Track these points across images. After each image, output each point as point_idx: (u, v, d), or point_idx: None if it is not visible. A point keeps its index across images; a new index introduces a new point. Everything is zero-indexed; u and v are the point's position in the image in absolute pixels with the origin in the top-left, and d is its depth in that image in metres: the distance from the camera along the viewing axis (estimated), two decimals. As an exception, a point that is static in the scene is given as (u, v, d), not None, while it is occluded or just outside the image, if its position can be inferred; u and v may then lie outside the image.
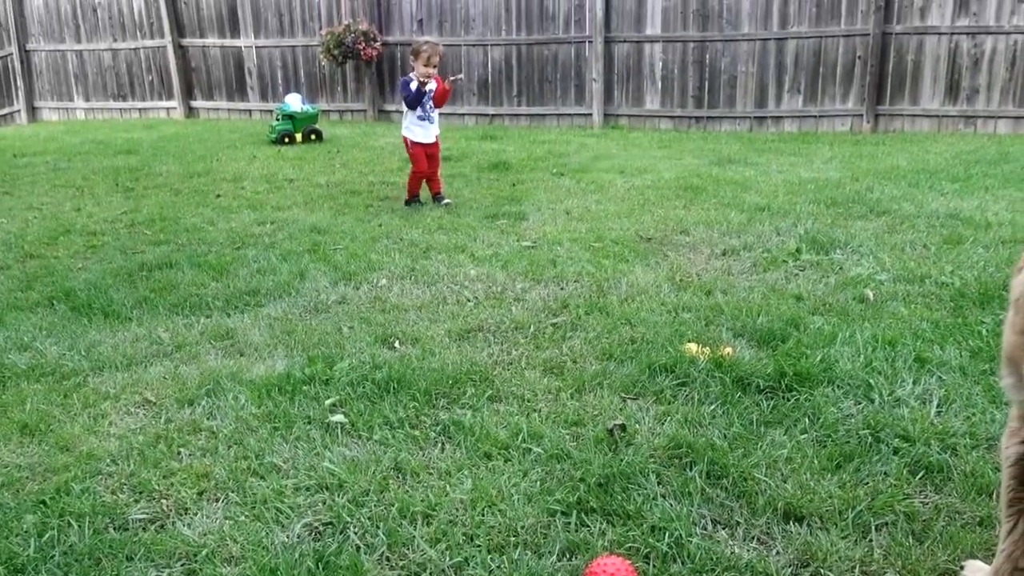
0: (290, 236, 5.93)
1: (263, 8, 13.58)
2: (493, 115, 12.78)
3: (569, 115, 12.45)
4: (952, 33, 10.67)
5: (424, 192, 7.27)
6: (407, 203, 7.12)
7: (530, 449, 2.88)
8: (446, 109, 12.90)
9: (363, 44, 12.43)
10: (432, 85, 7.04)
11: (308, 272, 5.01)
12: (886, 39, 10.90)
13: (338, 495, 2.65)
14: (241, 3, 13.67)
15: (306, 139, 10.86)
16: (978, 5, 10.53)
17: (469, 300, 4.50)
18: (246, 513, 2.58)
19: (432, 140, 7.21)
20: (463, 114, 12.93)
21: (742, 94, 11.64)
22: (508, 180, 8.02)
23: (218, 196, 7.53)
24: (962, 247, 5.10)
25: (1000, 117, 10.69)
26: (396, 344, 3.89)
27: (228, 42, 13.91)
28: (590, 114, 12.27)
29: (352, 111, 13.53)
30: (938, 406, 3.08)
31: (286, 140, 10.69)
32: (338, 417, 3.15)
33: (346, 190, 7.69)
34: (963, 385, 3.22)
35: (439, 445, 2.96)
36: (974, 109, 10.77)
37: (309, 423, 3.13)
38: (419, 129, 7.14)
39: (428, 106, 7.12)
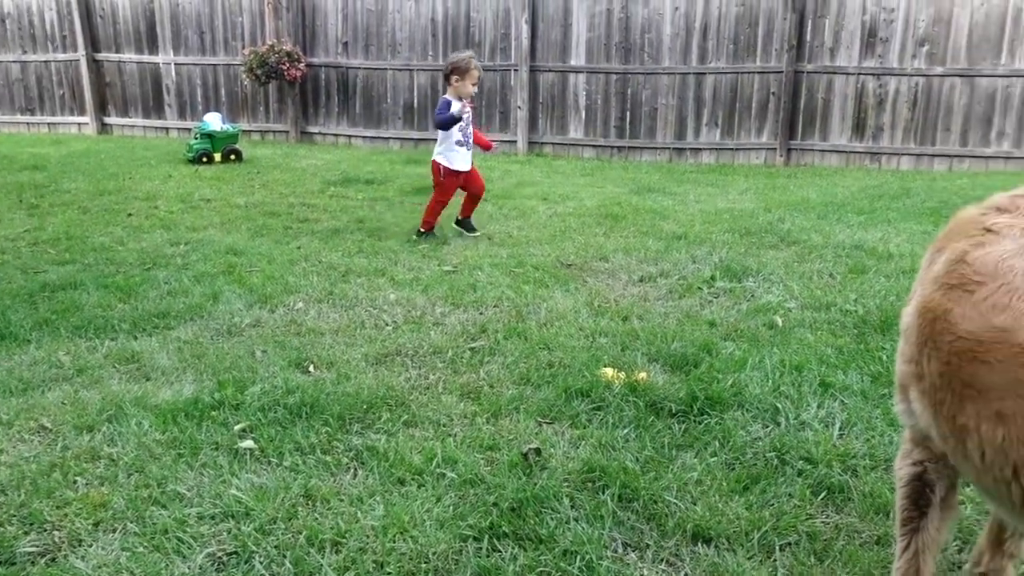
0: (204, 257, 5.77)
1: (183, 25, 13.32)
2: (418, 140, 12.78)
3: (494, 142, 12.52)
4: (859, 73, 11.21)
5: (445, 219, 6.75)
6: (420, 235, 6.52)
7: (444, 474, 2.86)
8: (370, 131, 12.93)
9: (287, 64, 12.30)
10: (469, 109, 6.58)
11: (222, 294, 4.88)
12: (798, 77, 11.37)
13: (244, 523, 2.57)
14: (160, 19, 13.38)
15: (225, 159, 10.64)
16: (883, 47, 11.10)
17: (387, 324, 4.45)
18: (145, 544, 2.47)
19: (469, 167, 6.69)
20: (388, 138, 12.90)
21: (662, 125, 11.95)
22: (431, 204, 8.00)
23: (129, 215, 7.29)
24: (865, 277, 5.32)
25: (903, 154, 11.25)
26: (311, 368, 3.82)
27: (146, 58, 13.57)
28: (515, 141, 12.39)
29: (274, 132, 13.34)
30: (840, 429, 3.18)
31: (204, 159, 10.45)
32: (247, 443, 3.06)
33: (265, 211, 7.56)
34: (864, 408, 3.34)
35: (351, 471, 2.91)
36: (879, 146, 11.31)
37: (216, 449, 3.03)
38: (457, 156, 6.57)
39: (469, 130, 6.59)
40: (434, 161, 6.66)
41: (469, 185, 6.74)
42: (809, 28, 11.26)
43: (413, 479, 2.83)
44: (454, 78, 6.44)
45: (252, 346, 4.10)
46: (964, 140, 10.99)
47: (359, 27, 12.74)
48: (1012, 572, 2.26)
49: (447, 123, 6.39)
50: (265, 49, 12.33)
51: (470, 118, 6.60)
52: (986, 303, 1.69)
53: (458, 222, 6.73)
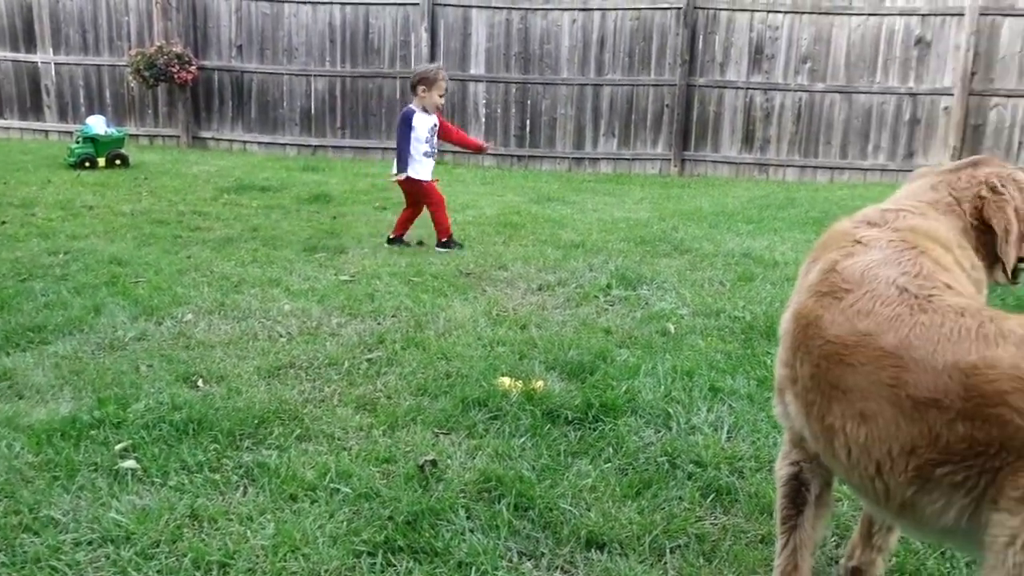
0: (86, 267, 5.49)
1: (64, 22, 12.68)
2: (316, 146, 12.57)
3: (393, 149, 12.41)
4: (747, 88, 11.69)
5: (425, 230, 6.74)
6: (443, 244, 6.46)
7: (338, 489, 2.80)
8: (265, 137, 12.61)
9: (177, 67, 11.87)
10: (435, 119, 6.59)
11: (105, 306, 4.65)
12: (691, 90, 11.76)
13: (124, 548, 2.45)
14: (39, 15, 12.69)
15: (110, 164, 10.18)
16: (769, 64, 11.61)
17: (281, 336, 4.35)
18: (15, 574, 2.33)
19: (433, 178, 6.68)
20: (284, 144, 12.63)
21: (561, 135, 12.14)
22: (329, 213, 7.88)
23: (3, 223, 6.87)
24: (753, 284, 5.53)
25: (788, 165, 11.78)
26: (200, 383, 3.69)
27: (22, 56, 12.85)
28: (415, 149, 12.31)
29: (164, 136, 12.85)
30: (728, 432, 3.29)
31: (87, 164, 9.97)
32: (129, 463, 2.92)
33: (153, 219, 7.26)
34: (750, 412, 3.47)
35: (241, 488, 2.82)
36: (766, 157, 11.81)
37: (95, 471, 2.88)
38: (422, 165, 6.54)
39: (435, 140, 6.61)
40: (409, 179, 6.59)
41: (412, 202, 6.73)
42: (700, 43, 11.67)
43: (306, 495, 2.77)
44: (420, 88, 6.43)
45: (136, 361, 3.92)
46: (844, 153, 11.60)
47: (254, 30, 12.44)
48: (881, 564, 2.38)
49: (402, 158, 6.54)
50: (153, 50, 11.87)
51: (435, 129, 6.60)
52: (852, 309, 1.79)
53: (390, 241, 6.63)
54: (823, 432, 1.82)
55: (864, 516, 2.37)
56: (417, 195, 6.66)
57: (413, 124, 6.48)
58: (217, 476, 2.87)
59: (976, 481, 1.55)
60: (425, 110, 6.53)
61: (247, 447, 3.10)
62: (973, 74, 11.08)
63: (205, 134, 12.77)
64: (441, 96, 6.51)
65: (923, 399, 1.60)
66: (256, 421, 3.26)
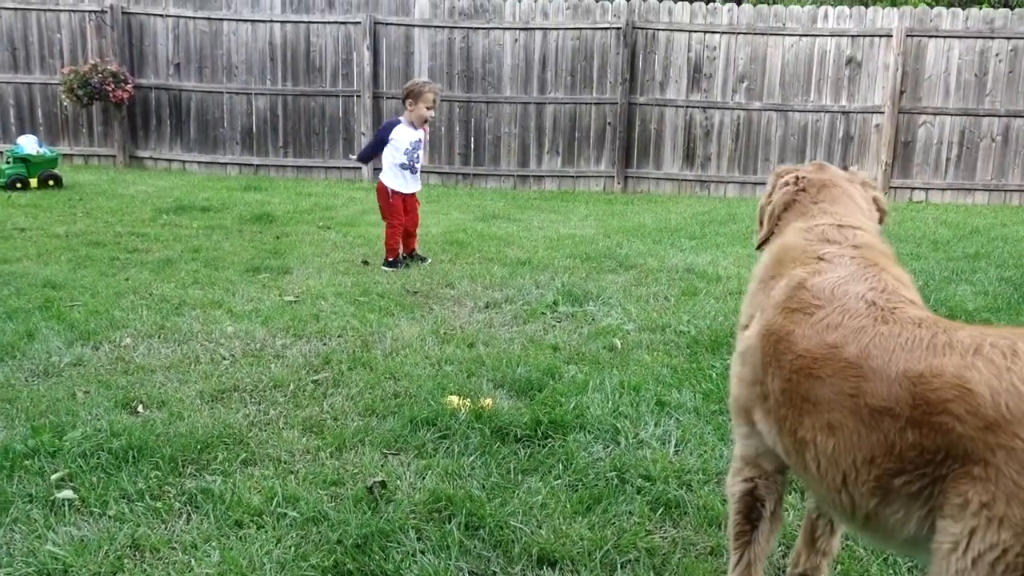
0: (17, 291, 5.31)
1: (-7, 40, 12.29)
2: (258, 165, 12.40)
3: (338, 168, 12.37)
4: (687, 106, 11.93)
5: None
6: (390, 263, 6.45)
7: (285, 513, 2.75)
8: (205, 156, 12.40)
9: (112, 86, 11.60)
10: (421, 134, 6.66)
11: (38, 332, 4.50)
12: (632, 109, 11.95)
13: (61, 582, 2.36)
14: (-34, 33, 12.28)
15: (43, 185, 9.88)
16: (707, 82, 11.87)
17: (225, 358, 4.26)
18: (-57, 614, 2.23)
19: (413, 191, 6.73)
20: (225, 163, 12.43)
21: (506, 153, 12.20)
22: (272, 232, 7.77)
23: (-71, 246, 6.61)
24: (697, 298, 5.63)
25: (729, 182, 12.04)
26: (140, 408, 3.59)
27: (-52, 75, 12.41)
28: (359, 168, 12.25)
29: (99, 156, 12.53)
30: (676, 445, 3.33)
31: (18, 186, 9.66)
32: (66, 493, 2.83)
33: (88, 241, 7.06)
34: (697, 425, 3.51)
35: (184, 516, 2.75)
36: (707, 174, 12.05)
37: (30, 502, 2.78)
38: (400, 178, 6.61)
39: (416, 155, 6.65)
40: (380, 182, 6.70)
41: (408, 213, 6.73)
42: (641, 62, 11.88)
43: (252, 521, 2.71)
44: (408, 102, 6.54)
45: (73, 387, 3.80)
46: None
47: (192, 48, 12.24)
48: (826, 569, 2.43)
49: (365, 154, 6.97)
50: (87, 68, 11.58)
51: (420, 143, 6.67)
52: (822, 323, 1.83)
53: (410, 256, 6.69)
54: (795, 446, 1.85)
55: (806, 523, 2.42)
56: (379, 204, 6.76)
57: (392, 135, 6.60)
58: (159, 504, 2.79)
59: (931, 490, 1.58)
60: (412, 124, 6.62)
61: (190, 473, 3.02)
62: (902, 93, 11.51)
63: (143, 153, 12.49)
64: (429, 109, 6.54)
65: (879, 407, 1.64)
66: (199, 446, 3.19)
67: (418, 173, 6.76)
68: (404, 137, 6.59)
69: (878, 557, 2.61)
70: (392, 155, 6.60)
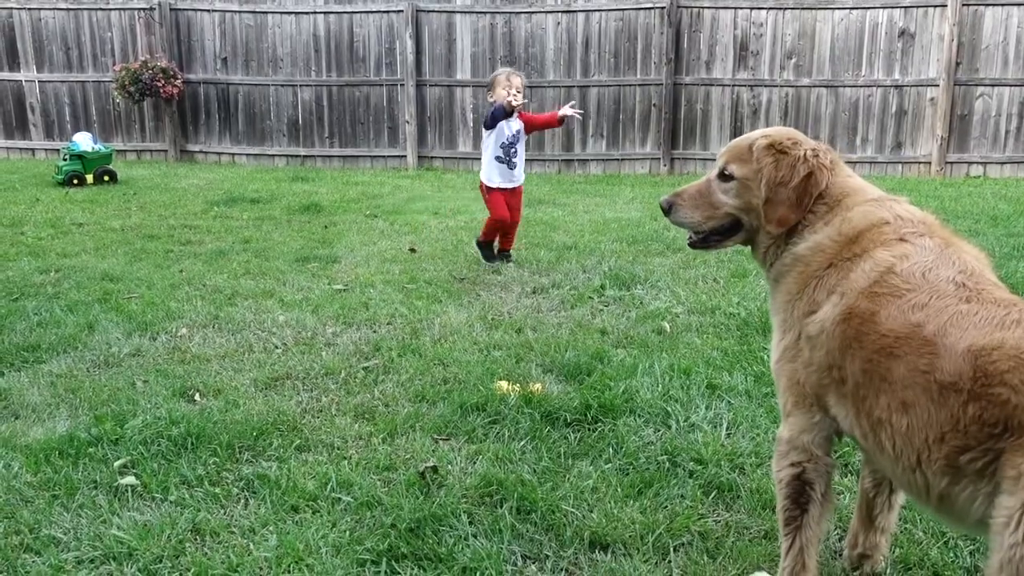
0: (78, 285, 5.47)
1: (47, 40, 12.63)
2: (305, 156, 12.55)
3: (383, 157, 12.45)
4: (734, 85, 11.72)
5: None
6: (480, 245, 6.28)
7: (340, 499, 2.80)
8: (254, 149, 12.57)
9: (162, 81, 11.84)
10: (519, 125, 6.21)
11: (98, 323, 4.63)
12: (677, 89, 11.78)
13: (127, 565, 2.44)
14: (21, 34, 12.64)
15: (98, 181, 10.14)
16: (754, 60, 11.65)
17: (277, 347, 4.34)
18: (17, 595, 2.31)
19: (513, 185, 6.30)
20: (273, 155, 12.61)
21: (550, 138, 12.14)
22: (320, 222, 7.87)
23: (-7, 243, 6.84)
24: (746, 280, 5.55)
25: (776, 161, 11.79)
26: (196, 397, 3.67)
27: (6, 75, 12.78)
28: (404, 156, 12.33)
29: (152, 151, 12.81)
30: (727, 429, 3.30)
31: (75, 182, 9.93)
32: (129, 479, 2.91)
33: (143, 235, 7.23)
34: (749, 408, 3.47)
35: (242, 501, 2.81)
36: (754, 154, 11.81)
37: (95, 488, 2.87)
38: (495, 172, 6.22)
39: (514, 149, 6.22)
40: (480, 181, 6.45)
41: (510, 209, 6.33)
42: (685, 42, 11.70)
43: (307, 506, 2.76)
44: (489, 95, 6.32)
45: (132, 377, 3.91)
46: (832, 146, 11.47)
47: (238, 42, 12.42)
48: (886, 546, 2.39)
49: (490, 119, 6.11)
50: (138, 65, 11.83)
51: (517, 136, 6.22)
52: (909, 303, 1.80)
53: (499, 252, 6.38)
54: (871, 427, 1.83)
55: (861, 501, 2.38)
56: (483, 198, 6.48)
57: (499, 125, 6.17)
58: (217, 490, 2.86)
59: (993, 467, 1.56)
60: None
61: (246, 459, 3.09)
62: (958, 64, 11.14)
63: (193, 147, 12.74)
64: (511, 93, 6.01)
65: (946, 383, 1.63)
66: (255, 433, 3.25)
67: (517, 168, 6.28)
68: (506, 127, 6.18)
69: (938, 540, 2.55)
70: (490, 147, 6.22)
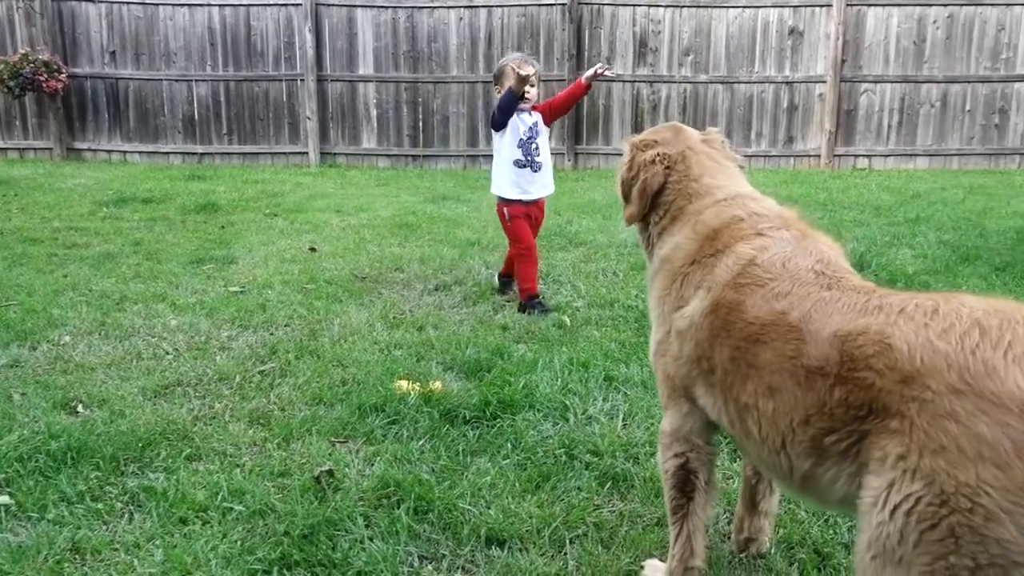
0: (-50, 293, 5.14)
1: (-84, 32, 11.82)
2: (202, 154, 12.14)
3: (284, 154, 12.17)
4: (634, 81, 11.94)
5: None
6: (525, 308, 4.85)
7: (231, 508, 2.71)
8: (147, 146, 12.07)
9: (45, 76, 11.25)
10: (538, 118, 5.05)
11: (-28, 333, 4.37)
12: (579, 85, 11.90)
13: (-2, 590, 2.31)
14: None
15: (-24, 181, 9.56)
16: (654, 57, 11.89)
17: (168, 353, 4.18)
18: None
19: (538, 196, 5.08)
20: (167, 153, 12.15)
21: (455, 133, 12.11)
22: (217, 222, 7.63)
23: None
24: (644, 272, 5.65)
25: (676, 155, 12.08)
26: (79, 408, 3.50)
27: None
28: (306, 152, 12.08)
29: (35, 149, 12.16)
30: (623, 420, 3.36)
31: (-50, 182, 9.34)
32: (2, 499, 2.75)
33: (24, 238, 6.85)
34: (644, 398, 3.54)
35: (126, 516, 2.69)
36: (655, 148, 12.08)
37: (-36, 510, 2.70)
38: (514, 180, 4.98)
39: (533, 146, 5.00)
40: (496, 203, 5.17)
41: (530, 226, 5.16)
42: (587, 38, 11.85)
43: (197, 517, 2.67)
44: (496, 90, 5.13)
45: (9, 389, 3.69)
46: (729, 141, 11.98)
47: (127, 35, 11.90)
48: (769, 529, 2.49)
49: (499, 115, 4.94)
50: (17, 59, 11.20)
51: (535, 130, 5.04)
52: (772, 292, 1.86)
53: (502, 276, 5.32)
54: (738, 413, 1.88)
55: (744, 487, 2.46)
56: (501, 225, 5.24)
57: (508, 124, 4.98)
58: (100, 505, 2.73)
59: (857, 448, 1.62)
60: (521, 108, 5.02)
61: (132, 472, 2.96)
62: (843, 61, 11.66)
63: (80, 145, 12.16)
64: (521, 86, 4.82)
65: (813, 367, 1.68)
66: (141, 444, 3.13)
67: (543, 169, 5.07)
68: (521, 122, 5.02)
69: (819, 519, 2.67)
70: (505, 149, 5.00)
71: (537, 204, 5.13)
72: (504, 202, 5.04)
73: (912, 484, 1.45)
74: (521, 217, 5.01)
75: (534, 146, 5.01)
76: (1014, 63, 11.67)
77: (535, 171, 5.02)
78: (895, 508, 1.47)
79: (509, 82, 4.84)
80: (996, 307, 1.53)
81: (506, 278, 5.25)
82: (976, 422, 1.38)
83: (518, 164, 4.99)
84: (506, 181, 5.00)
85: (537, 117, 5.08)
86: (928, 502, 1.42)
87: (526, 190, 5.01)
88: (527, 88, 4.87)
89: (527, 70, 4.78)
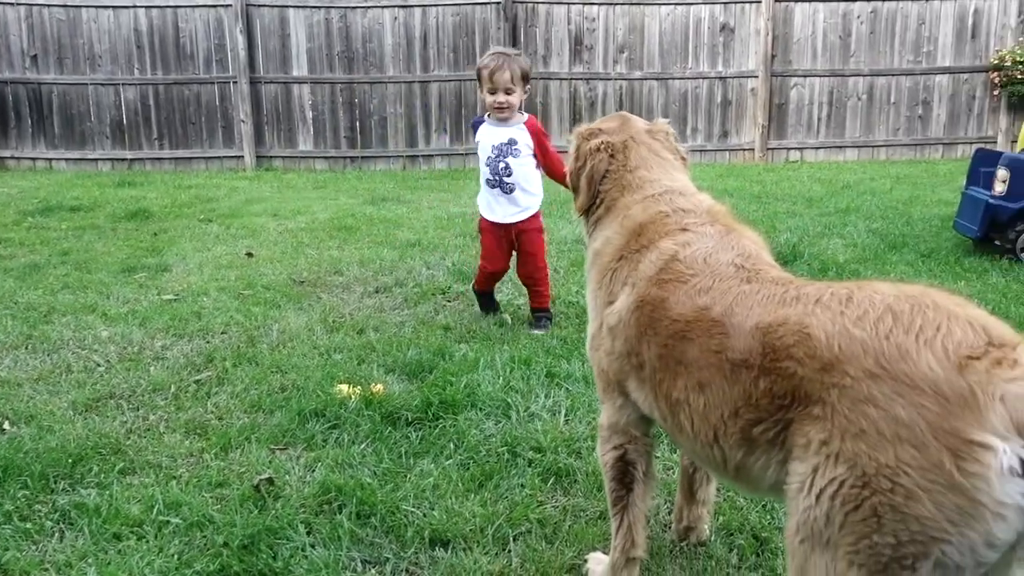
0: None
1: None
2: (132, 159, 11.82)
3: (218, 158, 11.93)
4: (571, 79, 12.03)
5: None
6: (536, 322, 4.62)
7: (168, 521, 2.65)
8: (73, 153, 11.70)
9: (-38, 82, 10.81)
10: (514, 133, 4.46)
11: None
12: (516, 83, 11.93)
13: (-80, 618, 2.22)
14: None
15: None
16: (589, 54, 11.99)
17: (99, 365, 4.06)
18: None
19: (506, 220, 4.57)
20: (95, 159, 11.80)
21: (393, 134, 12.03)
22: (149, 229, 7.43)
23: None
24: (584, 267, 5.69)
25: (615, 151, 12.21)
26: (5, 426, 3.38)
27: None
28: (241, 156, 11.87)
29: (-46, 158, 11.69)
30: (566, 415, 3.38)
31: None
32: (-77, 523, 2.64)
33: (-56, 251, 6.59)
34: (586, 393, 3.57)
35: (56, 535, 2.61)
36: (594, 145, 12.18)
37: None
38: (482, 198, 4.65)
39: (501, 164, 4.48)
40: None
41: (519, 255, 4.72)
42: (522, 36, 11.88)
43: (131, 532, 2.60)
44: (479, 91, 4.65)
45: (-71, 409, 3.55)
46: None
47: (49, 38, 11.52)
48: (707, 517, 2.53)
49: (473, 131, 4.70)
50: (-68, 64, 10.75)
51: (511, 150, 4.48)
52: (694, 288, 1.89)
53: (534, 311, 4.72)
54: (670, 408, 1.90)
55: (682, 477, 2.51)
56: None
57: (477, 138, 4.64)
58: (28, 524, 2.64)
59: (783, 436, 1.66)
60: (498, 121, 4.53)
61: (62, 489, 2.87)
62: (773, 57, 11.92)
63: (3, 153, 11.71)
64: (494, 93, 4.37)
65: (738, 360, 1.71)
66: (72, 460, 3.03)
67: (517, 191, 4.53)
68: (485, 140, 4.56)
69: (757, 505, 2.72)
70: (480, 167, 4.67)
71: (515, 227, 4.59)
72: (480, 217, 4.72)
73: (835, 468, 1.49)
74: (488, 232, 4.65)
75: (502, 165, 4.48)
76: (935, 56, 12.09)
77: (505, 192, 4.53)
78: (820, 492, 1.50)
79: (486, 87, 4.39)
80: (907, 293, 1.58)
81: (540, 313, 4.68)
82: (893, 405, 1.43)
83: (488, 183, 4.57)
84: (481, 195, 4.69)
85: (519, 134, 4.48)
86: (851, 484, 1.46)
87: (492, 210, 4.60)
88: (497, 99, 4.37)
89: (498, 77, 4.33)
